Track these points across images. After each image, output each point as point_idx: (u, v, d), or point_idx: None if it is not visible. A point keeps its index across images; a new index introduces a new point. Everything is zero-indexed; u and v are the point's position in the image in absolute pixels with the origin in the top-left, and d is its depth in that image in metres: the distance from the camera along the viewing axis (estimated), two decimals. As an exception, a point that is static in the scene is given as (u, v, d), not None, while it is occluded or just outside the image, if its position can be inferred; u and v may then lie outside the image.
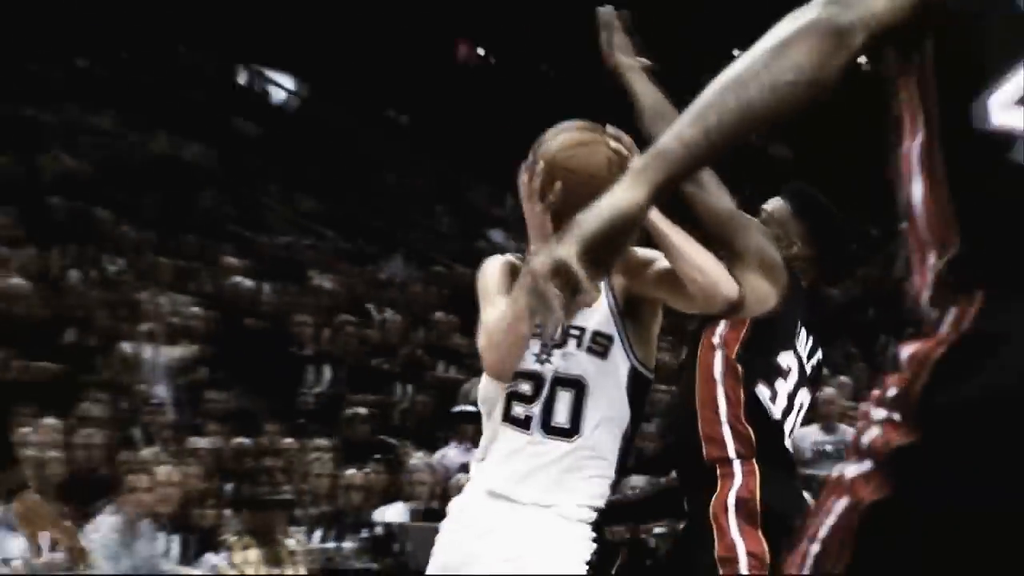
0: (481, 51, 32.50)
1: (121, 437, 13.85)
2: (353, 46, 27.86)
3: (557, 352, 5.83)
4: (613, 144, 5.69)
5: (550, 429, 5.80)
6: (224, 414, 15.87)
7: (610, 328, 5.84)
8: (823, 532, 3.45)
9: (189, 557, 12.60)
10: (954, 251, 3.39)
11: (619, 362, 5.86)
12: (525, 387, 5.82)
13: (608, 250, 3.37)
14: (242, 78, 28.19)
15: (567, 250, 3.31)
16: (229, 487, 14.05)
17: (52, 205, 18.75)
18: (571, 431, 5.81)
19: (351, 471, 15.16)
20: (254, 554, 11.99)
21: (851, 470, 3.42)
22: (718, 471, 6.35)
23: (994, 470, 3.24)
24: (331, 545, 14.08)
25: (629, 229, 3.37)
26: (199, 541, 12.78)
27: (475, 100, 31.78)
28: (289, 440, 15.43)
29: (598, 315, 5.84)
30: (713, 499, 6.30)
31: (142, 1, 24.12)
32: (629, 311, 5.87)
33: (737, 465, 6.33)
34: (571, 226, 3.33)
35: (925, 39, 3.51)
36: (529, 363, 5.83)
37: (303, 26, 27.48)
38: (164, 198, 20.58)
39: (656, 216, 5.59)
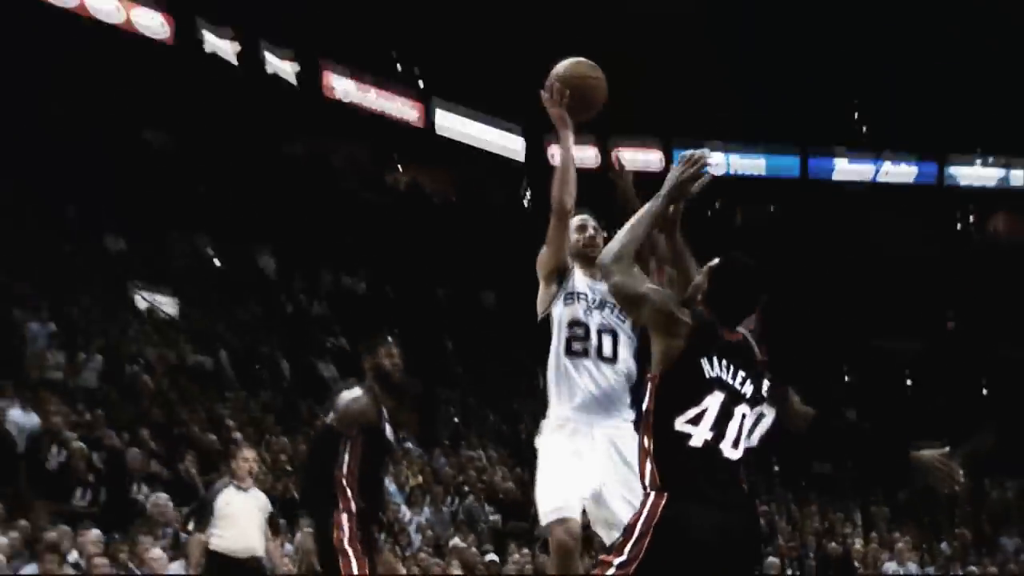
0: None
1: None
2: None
3: (597, 311, 5.05)
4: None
5: (601, 357, 4.96)
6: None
7: None
8: None
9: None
10: (658, 475, 3.88)
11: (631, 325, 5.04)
12: (578, 331, 5.00)
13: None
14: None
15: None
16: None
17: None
18: (614, 359, 4.99)
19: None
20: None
21: None
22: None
23: None
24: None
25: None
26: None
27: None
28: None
29: None
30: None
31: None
32: None
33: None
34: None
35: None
36: (579, 315, 5.02)
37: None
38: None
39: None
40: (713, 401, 3.92)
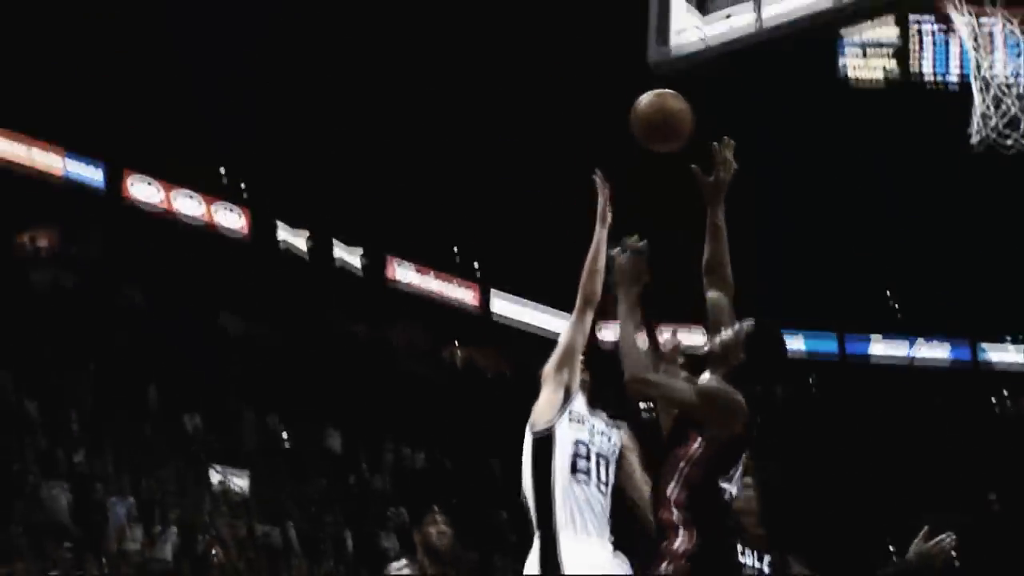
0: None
1: None
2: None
3: (598, 437, 4.94)
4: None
5: (599, 480, 4.85)
6: None
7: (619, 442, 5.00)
8: None
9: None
10: (683, 514, 4.08)
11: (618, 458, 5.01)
12: (582, 450, 4.84)
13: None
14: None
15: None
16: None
17: None
18: (607, 484, 4.88)
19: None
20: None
21: None
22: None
23: None
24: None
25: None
26: None
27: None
28: None
29: (616, 437, 5.01)
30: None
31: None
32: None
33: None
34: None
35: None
36: (584, 437, 4.89)
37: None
38: None
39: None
40: (743, 458, 4.21)
